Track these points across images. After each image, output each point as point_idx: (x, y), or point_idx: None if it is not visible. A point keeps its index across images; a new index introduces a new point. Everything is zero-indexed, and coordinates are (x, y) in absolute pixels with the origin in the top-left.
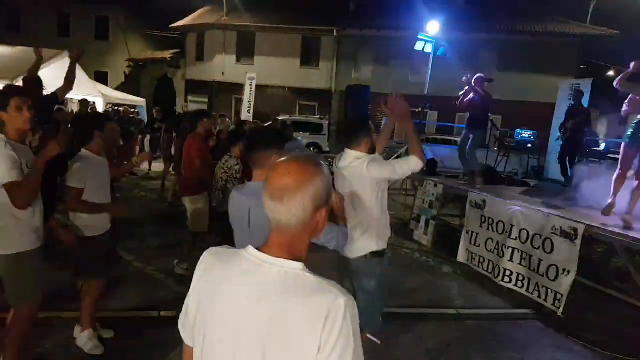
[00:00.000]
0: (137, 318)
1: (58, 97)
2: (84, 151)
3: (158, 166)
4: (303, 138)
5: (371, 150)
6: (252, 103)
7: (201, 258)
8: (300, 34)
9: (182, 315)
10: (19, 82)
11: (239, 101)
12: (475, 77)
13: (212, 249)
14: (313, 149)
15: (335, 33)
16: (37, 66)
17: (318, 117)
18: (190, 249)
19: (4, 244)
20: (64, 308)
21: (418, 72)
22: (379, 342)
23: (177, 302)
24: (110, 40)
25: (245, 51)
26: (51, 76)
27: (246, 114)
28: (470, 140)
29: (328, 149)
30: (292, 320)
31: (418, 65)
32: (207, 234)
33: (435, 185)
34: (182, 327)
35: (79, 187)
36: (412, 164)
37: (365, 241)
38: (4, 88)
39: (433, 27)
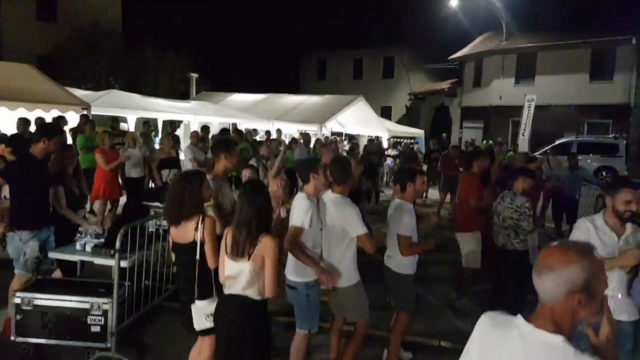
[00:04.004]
0: (420, 344)
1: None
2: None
3: (433, 193)
4: (592, 160)
5: None
6: (529, 126)
7: (481, 318)
8: (589, 47)
9: (461, 357)
10: (328, 126)
11: (517, 124)
12: None
13: (490, 314)
14: (605, 174)
15: (634, 42)
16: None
17: (612, 136)
18: (467, 285)
19: (352, 276)
20: (377, 326)
21: None
22: None
23: (455, 334)
24: (395, 78)
25: (524, 72)
26: (350, 118)
27: (521, 137)
28: None
29: (625, 173)
30: None
31: None
32: (482, 271)
33: None
34: None
35: (409, 234)
36: None
37: None
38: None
39: None
